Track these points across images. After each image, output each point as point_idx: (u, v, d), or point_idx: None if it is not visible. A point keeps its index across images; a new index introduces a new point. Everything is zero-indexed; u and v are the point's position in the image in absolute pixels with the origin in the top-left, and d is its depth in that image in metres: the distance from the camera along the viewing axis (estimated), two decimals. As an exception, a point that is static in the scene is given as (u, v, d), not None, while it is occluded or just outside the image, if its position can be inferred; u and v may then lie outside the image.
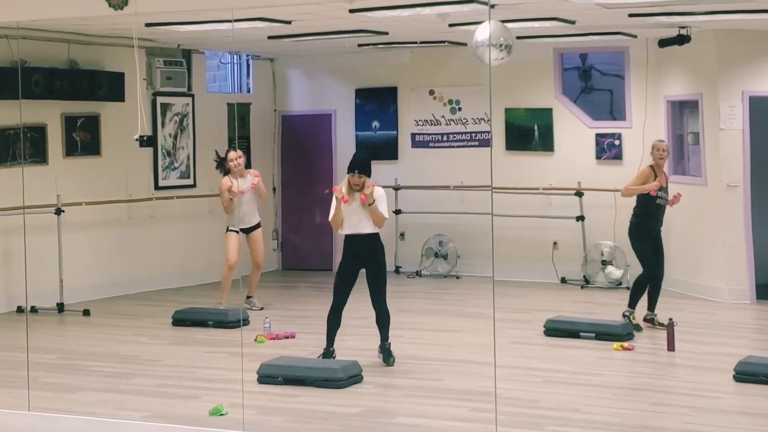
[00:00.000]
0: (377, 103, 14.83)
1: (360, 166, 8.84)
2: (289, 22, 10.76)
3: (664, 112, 12.76)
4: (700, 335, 10.13)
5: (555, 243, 13.65)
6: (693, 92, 12.30)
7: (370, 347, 9.15)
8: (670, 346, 9.43)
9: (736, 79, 11.91)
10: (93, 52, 12.40)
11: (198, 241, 13.69)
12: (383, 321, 8.96)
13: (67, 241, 12.04)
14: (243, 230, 11.55)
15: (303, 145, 15.24)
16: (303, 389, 8.18)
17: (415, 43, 13.35)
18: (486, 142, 13.94)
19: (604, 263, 13.05)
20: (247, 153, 14.28)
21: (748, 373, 8.27)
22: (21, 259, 10.02)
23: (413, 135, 14.60)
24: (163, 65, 13.16)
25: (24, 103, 10.71)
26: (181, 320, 11.01)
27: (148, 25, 10.59)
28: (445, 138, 14.39)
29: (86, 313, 11.66)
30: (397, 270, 14.27)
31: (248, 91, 15.12)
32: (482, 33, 9.11)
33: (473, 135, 14.21)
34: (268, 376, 8.40)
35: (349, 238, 8.90)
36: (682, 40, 11.68)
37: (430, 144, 14.48)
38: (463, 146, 14.23)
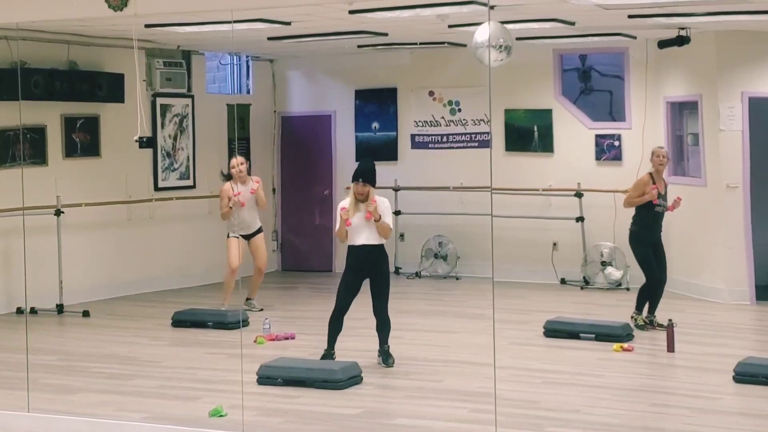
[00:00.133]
0: (377, 104, 14.83)
1: (365, 175, 8.82)
2: (288, 23, 10.76)
3: (664, 113, 12.76)
4: (699, 336, 10.13)
5: (555, 244, 13.65)
6: (692, 93, 12.30)
7: (370, 348, 9.15)
8: (670, 347, 9.43)
9: (736, 80, 11.91)
10: (93, 53, 12.40)
11: (197, 242, 13.69)
12: (384, 328, 8.97)
13: (67, 242, 12.04)
14: (244, 236, 11.55)
15: (303, 146, 15.24)
16: (303, 390, 8.18)
17: (415, 44, 13.34)
18: (486, 143, 13.94)
19: (604, 264, 13.05)
20: (247, 154, 14.30)
21: (748, 374, 8.27)
22: (21, 260, 10.02)
23: (413, 136, 14.60)
24: (162, 66, 13.16)
25: (24, 104, 10.70)
26: (180, 321, 11.01)
27: (147, 26, 10.59)
28: (444, 139, 14.39)
29: (86, 314, 11.66)
30: (396, 271, 14.26)
31: (248, 92, 15.12)
32: (482, 34, 9.11)
33: (473, 136, 14.21)
34: (267, 378, 8.41)
35: (354, 249, 8.88)
36: (681, 41, 11.69)
37: (430, 145, 14.48)
38: (463, 147, 14.23)
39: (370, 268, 8.87)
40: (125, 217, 13.05)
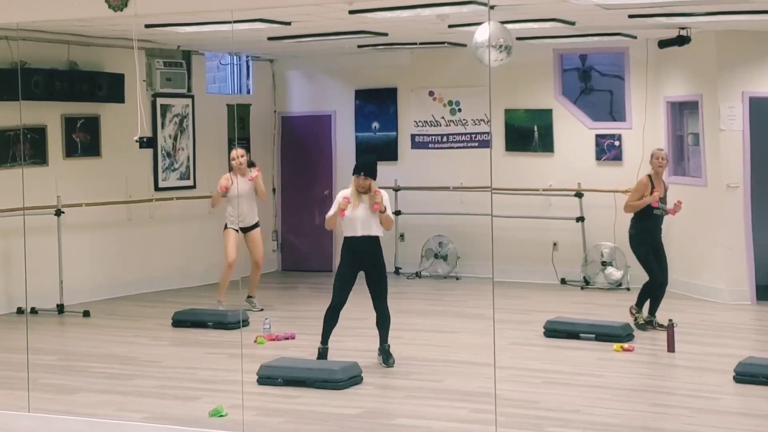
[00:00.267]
0: (377, 104, 14.83)
1: (366, 168, 8.87)
2: (288, 23, 10.76)
3: (664, 112, 12.76)
4: (700, 336, 10.13)
5: (555, 244, 13.65)
6: (693, 93, 12.30)
7: (370, 348, 9.15)
8: (670, 347, 9.43)
9: (736, 80, 11.91)
10: (93, 53, 12.40)
11: (198, 243, 13.69)
12: (384, 323, 8.97)
13: (67, 242, 12.04)
14: (241, 229, 11.55)
15: (303, 146, 15.24)
16: (303, 390, 8.18)
17: (415, 44, 13.34)
18: (486, 143, 13.93)
19: (604, 264, 13.05)
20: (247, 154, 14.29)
21: (748, 374, 8.27)
22: (21, 260, 10.02)
23: (413, 136, 14.60)
24: (162, 66, 13.16)
25: (24, 104, 10.71)
26: (180, 321, 11.01)
27: (147, 26, 10.59)
28: (444, 139, 14.39)
29: (86, 314, 11.66)
30: (396, 271, 14.27)
31: (248, 92, 15.12)
32: (482, 34, 9.10)
33: (473, 136, 14.20)
34: (267, 377, 8.41)
35: (351, 240, 8.90)
36: (682, 40, 11.68)
37: (430, 145, 14.48)
38: (463, 147, 14.23)
39: (367, 259, 8.89)
40: (125, 217, 13.05)
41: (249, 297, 11.84)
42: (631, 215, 10.52)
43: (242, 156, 11.54)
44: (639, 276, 10.84)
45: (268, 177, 14.95)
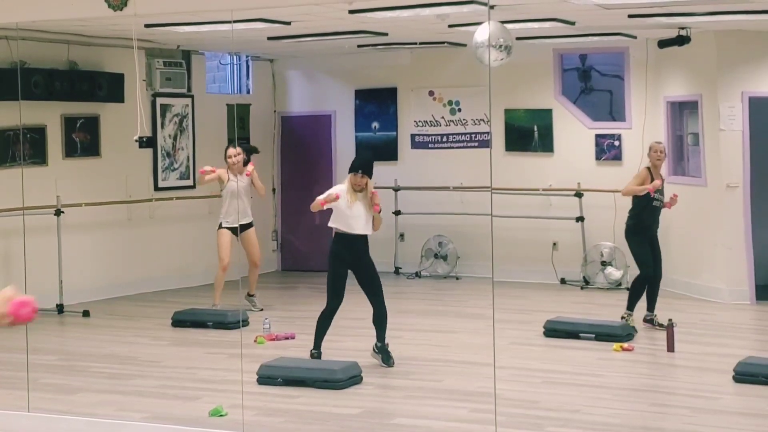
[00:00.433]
0: (377, 104, 14.83)
1: (363, 166, 8.88)
2: (288, 23, 10.75)
3: (664, 112, 12.76)
4: (699, 336, 10.13)
5: (555, 244, 13.65)
6: (693, 93, 12.30)
7: (370, 348, 9.14)
8: (670, 347, 9.43)
9: (736, 80, 11.91)
10: (92, 53, 12.40)
11: (197, 243, 13.68)
12: (381, 320, 8.96)
13: (67, 242, 12.04)
14: (236, 229, 11.51)
15: (303, 146, 15.24)
16: (302, 390, 8.18)
17: (415, 43, 13.34)
18: (486, 143, 13.93)
19: (604, 264, 13.05)
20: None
21: (748, 374, 8.27)
22: (20, 260, 10.01)
23: (413, 136, 14.60)
24: (162, 66, 13.16)
25: (23, 104, 10.69)
26: (180, 321, 11.01)
27: (147, 26, 10.58)
28: (444, 139, 14.39)
29: (86, 314, 11.66)
30: (396, 271, 14.27)
31: (248, 92, 15.12)
32: (482, 34, 9.10)
33: (473, 136, 14.21)
34: (267, 377, 8.40)
35: (346, 237, 8.91)
36: (681, 40, 11.68)
37: (430, 145, 14.48)
38: (463, 147, 14.23)
39: (357, 255, 8.90)
40: (125, 217, 13.05)
41: (250, 295, 11.83)
42: (628, 213, 10.50)
43: (238, 155, 11.54)
44: (635, 277, 10.80)
45: (268, 177, 14.95)
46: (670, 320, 9.60)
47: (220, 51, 14.42)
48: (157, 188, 13.36)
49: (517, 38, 10.67)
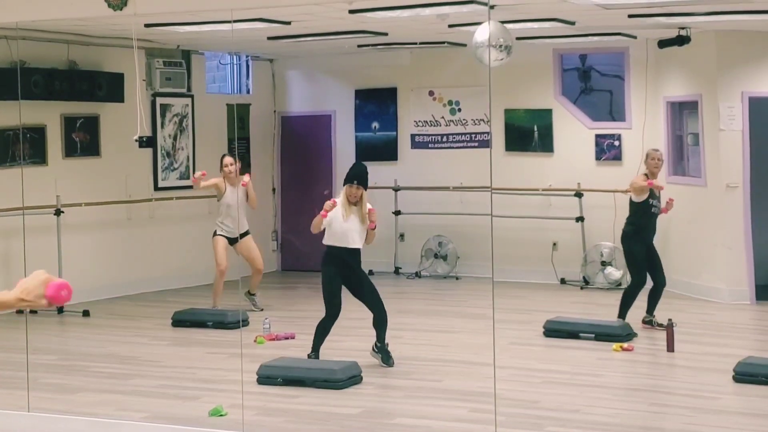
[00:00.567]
0: (377, 104, 14.83)
1: (359, 177, 8.87)
2: (288, 23, 10.76)
3: (664, 112, 12.76)
4: (699, 336, 10.13)
5: (554, 244, 13.65)
6: (692, 93, 12.30)
7: (370, 348, 9.14)
8: (670, 347, 9.43)
9: (736, 80, 11.91)
10: (92, 52, 12.40)
11: (197, 242, 13.66)
12: (382, 322, 8.96)
13: (67, 242, 12.04)
14: (230, 239, 11.50)
15: (303, 146, 15.24)
16: (302, 390, 8.18)
17: (415, 43, 13.34)
18: (485, 143, 13.94)
19: (604, 264, 13.05)
20: (247, 154, 14.30)
21: (748, 374, 8.27)
22: (20, 260, 10.01)
23: (413, 136, 14.60)
24: (162, 66, 13.16)
25: (23, 103, 10.69)
26: (180, 321, 11.01)
27: (147, 25, 10.58)
28: (444, 139, 14.39)
29: (86, 314, 11.66)
30: (396, 271, 14.27)
31: (248, 92, 15.12)
32: (482, 34, 9.10)
33: (473, 136, 14.21)
34: (267, 377, 8.40)
35: (336, 250, 8.86)
36: (681, 40, 11.68)
37: (430, 145, 14.48)
38: (463, 147, 14.23)
39: (350, 268, 8.88)
40: (125, 217, 13.05)
41: (251, 294, 11.81)
42: (625, 220, 10.46)
43: (232, 164, 11.53)
44: (626, 286, 10.75)
45: (268, 177, 14.96)
46: (669, 320, 9.60)
47: (220, 51, 14.42)
48: (156, 188, 13.36)
49: (517, 38, 10.67)
